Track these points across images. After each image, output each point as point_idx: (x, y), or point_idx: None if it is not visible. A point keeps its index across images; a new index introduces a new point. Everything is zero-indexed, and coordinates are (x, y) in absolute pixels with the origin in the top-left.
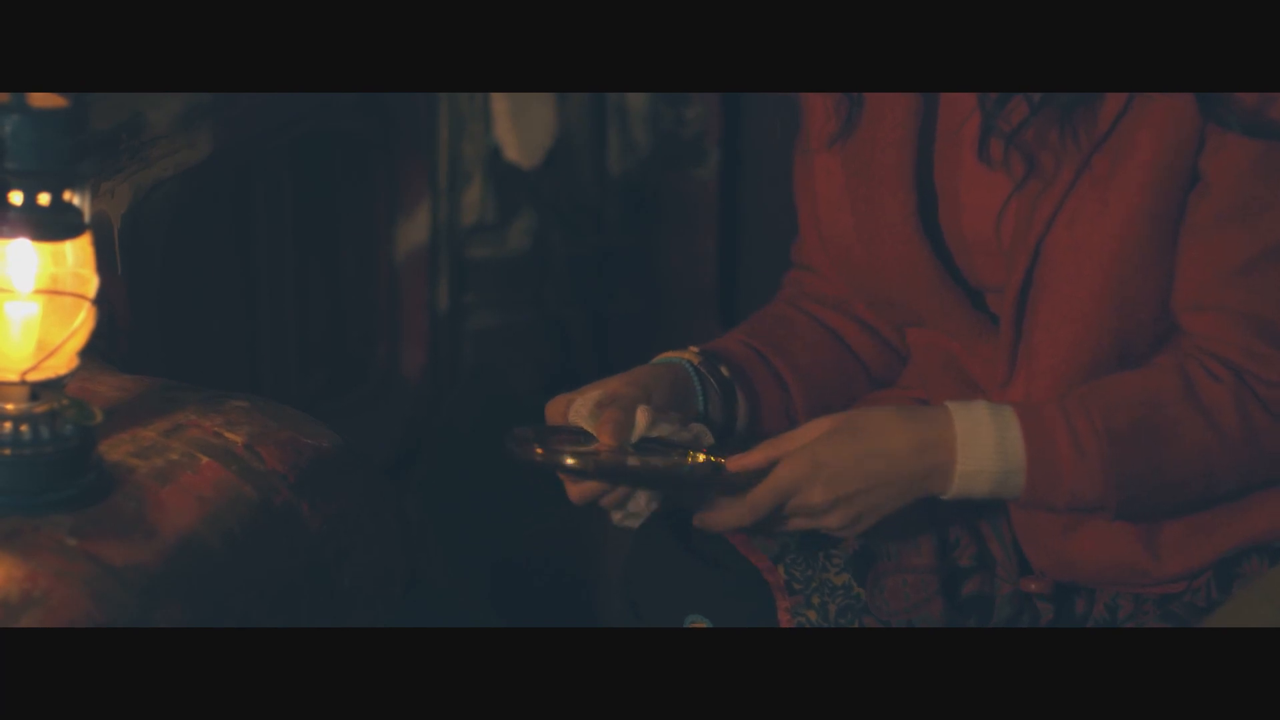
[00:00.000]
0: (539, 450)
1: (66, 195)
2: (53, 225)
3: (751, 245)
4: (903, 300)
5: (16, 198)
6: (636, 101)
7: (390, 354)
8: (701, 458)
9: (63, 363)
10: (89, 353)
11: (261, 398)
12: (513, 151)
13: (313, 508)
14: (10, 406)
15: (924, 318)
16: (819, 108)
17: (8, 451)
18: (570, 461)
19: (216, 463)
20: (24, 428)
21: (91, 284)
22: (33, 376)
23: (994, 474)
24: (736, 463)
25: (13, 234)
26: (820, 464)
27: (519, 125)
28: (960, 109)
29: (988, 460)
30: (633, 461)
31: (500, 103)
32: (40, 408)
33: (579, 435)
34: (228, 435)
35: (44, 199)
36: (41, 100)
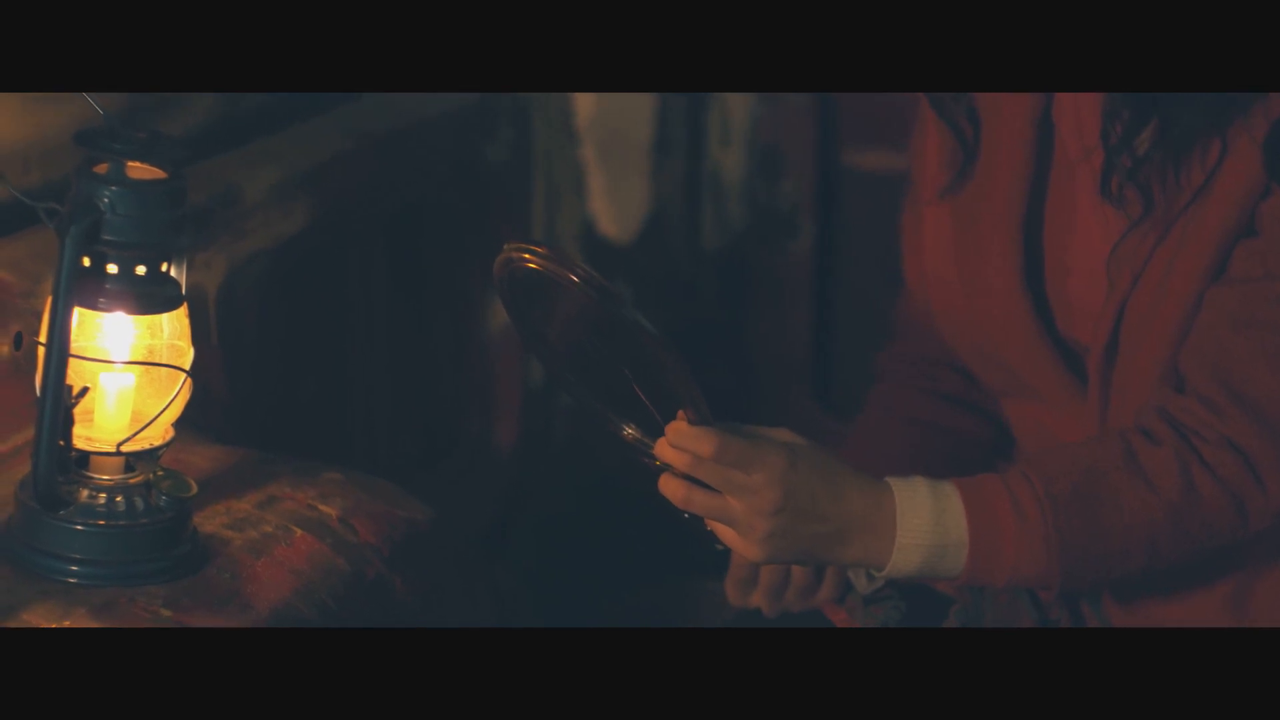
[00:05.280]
0: (531, 255)
1: (164, 267)
2: (150, 298)
3: (846, 320)
4: (1001, 357)
5: (113, 269)
6: (731, 174)
7: (483, 427)
8: (629, 431)
9: (158, 434)
10: (183, 423)
11: (354, 470)
12: (607, 224)
13: (405, 581)
14: (105, 478)
15: (1020, 375)
16: (932, 159)
17: (103, 523)
18: (575, 275)
19: (310, 535)
20: (119, 499)
21: (188, 356)
22: (128, 448)
23: (929, 548)
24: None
25: (109, 307)
26: (795, 467)
27: (614, 198)
28: (1073, 154)
29: (924, 534)
30: (624, 306)
31: (595, 175)
32: (135, 479)
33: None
34: (322, 508)
35: (141, 271)
36: (140, 172)
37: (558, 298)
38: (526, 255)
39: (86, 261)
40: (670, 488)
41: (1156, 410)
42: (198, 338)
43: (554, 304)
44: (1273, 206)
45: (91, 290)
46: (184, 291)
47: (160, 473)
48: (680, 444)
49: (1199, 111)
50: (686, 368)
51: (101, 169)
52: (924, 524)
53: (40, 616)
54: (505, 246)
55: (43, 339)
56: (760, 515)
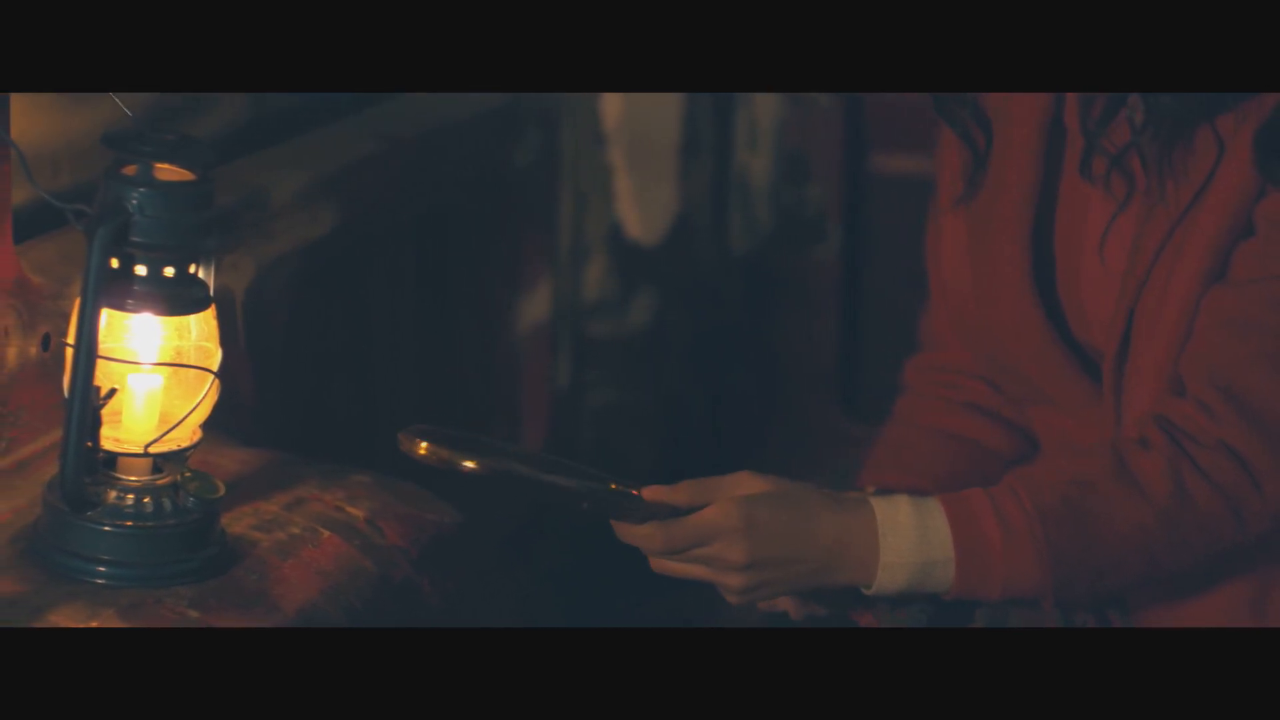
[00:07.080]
0: (424, 446)
1: (192, 269)
2: (178, 299)
3: (872, 325)
4: (1016, 364)
5: (141, 271)
6: (758, 179)
7: (509, 429)
8: (614, 486)
9: (186, 435)
10: (211, 425)
11: (381, 472)
12: (635, 228)
13: (433, 583)
14: (133, 479)
15: (1037, 383)
16: (948, 168)
17: (130, 524)
18: (468, 464)
19: (338, 537)
20: (147, 500)
21: (215, 357)
22: (155, 449)
23: (914, 565)
24: (654, 493)
25: (138, 308)
26: (751, 522)
27: (641, 202)
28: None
29: (908, 552)
30: (525, 470)
31: (622, 180)
32: (163, 480)
33: (481, 441)
34: (349, 510)
35: (169, 273)
36: (168, 174)
37: None
38: (417, 450)
39: (115, 263)
40: (651, 562)
41: (1154, 417)
42: (225, 339)
43: None
44: (1267, 208)
45: (119, 292)
46: (212, 293)
47: (188, 474)
48: (632, 544)
49: (1179, 98)
50: (611, 499)
51: (130, 171)
52: (907, 542)
53: (68, 617)
54: (400, 436)
55: (71, 340)
56: (731, 573)
